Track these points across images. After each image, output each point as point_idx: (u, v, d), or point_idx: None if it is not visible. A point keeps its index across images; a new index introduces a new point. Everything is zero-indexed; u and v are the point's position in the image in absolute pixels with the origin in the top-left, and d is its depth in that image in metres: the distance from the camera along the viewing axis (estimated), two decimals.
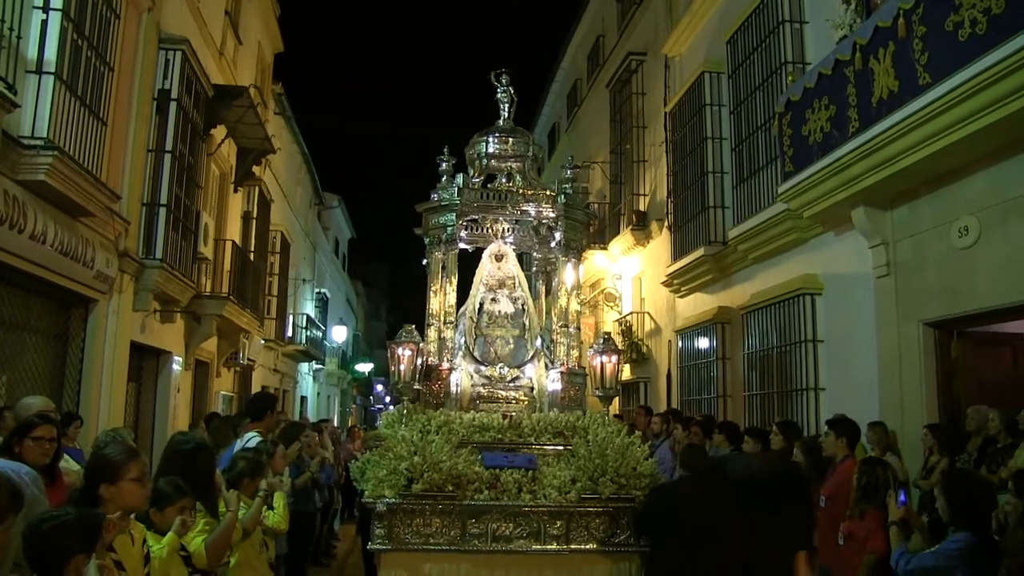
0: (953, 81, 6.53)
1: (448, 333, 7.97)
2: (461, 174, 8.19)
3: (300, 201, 27.14)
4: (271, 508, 5.96)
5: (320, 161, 28.81)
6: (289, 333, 23.96)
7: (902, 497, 5.57)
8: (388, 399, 51.51)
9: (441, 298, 8.04)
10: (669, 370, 15.36)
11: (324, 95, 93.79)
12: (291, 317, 24.34)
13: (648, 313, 16.92)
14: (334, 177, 75.61)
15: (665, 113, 15.57)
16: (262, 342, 20.15)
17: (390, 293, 65.04)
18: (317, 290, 30.72)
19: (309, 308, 28.45)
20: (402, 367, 7.37)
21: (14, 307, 9.00)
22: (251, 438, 6.75)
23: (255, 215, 18.49)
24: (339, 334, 34.37)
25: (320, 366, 31.84)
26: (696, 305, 14.20)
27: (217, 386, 16.85)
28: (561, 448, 7.03)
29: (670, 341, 15.41)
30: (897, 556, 5.12)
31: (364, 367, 46.58)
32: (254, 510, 5.23)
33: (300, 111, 23.55)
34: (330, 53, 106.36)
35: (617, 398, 17.49)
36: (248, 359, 18.40)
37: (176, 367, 13.71)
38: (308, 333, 26.79)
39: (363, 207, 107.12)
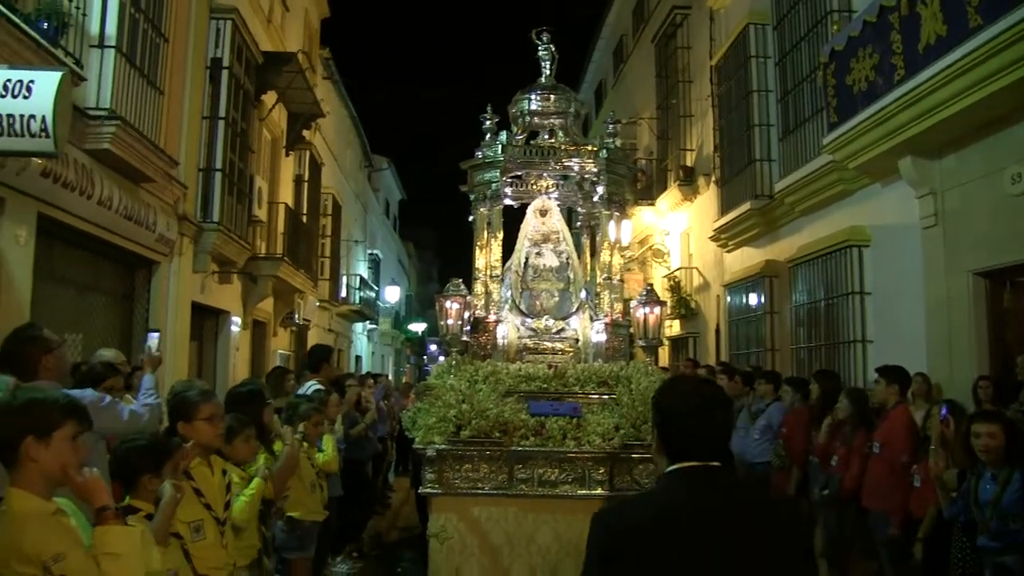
0: (1007, 21, 6.35)
1: (494, 287, 8.13)
2: (504, 132, 8.32)
3: (350, 164, 27.42)
4: (321, 450, 6.23)
5: (369, 124, 29.05)
6: (343, 294, 24.32)
7: (943, 411, 5.70)
8: (442, 358, 52.01)
9: (487, 253, 8.20)
10: (718, 325, 15.40)
11: (371, 58, 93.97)
12: (344, 278, 24.69)
13: (696, 268, 16.93)
14: (384, 140, 76.06)
15: (711, 67, 15.47)
16: (316, 303, 20.50)
17: (441, 254, 65.45)
18: (369, 251, 31.06)
19: (362, 269, 28.81)
20: (450, 320, 7.57)
21: (84, 270, 9.42)
22: (310, 386, 7.06)
23: (307, 178, 18.78)
24: (392, 294, 34.75)
25: (374, 326, 32.28)
26: (744, 259, 14.19)
27: (274, 345, 17.26)
28: (605, 397, 7.17)
29: (718, 296, 15.43)
30: (957, 511, 5.27)
31: (417, 327, 47.04)
32: (283, 461, 5.31)
33: (347, 75, 23.83)
34: (376, 17, 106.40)
35: (665, 352, 17.68)
36: (303, 319, 18.81)
37: (235, 327, 14.07)
38: (361, 294, 27.15)
39: (414, 169, 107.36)
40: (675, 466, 2.52)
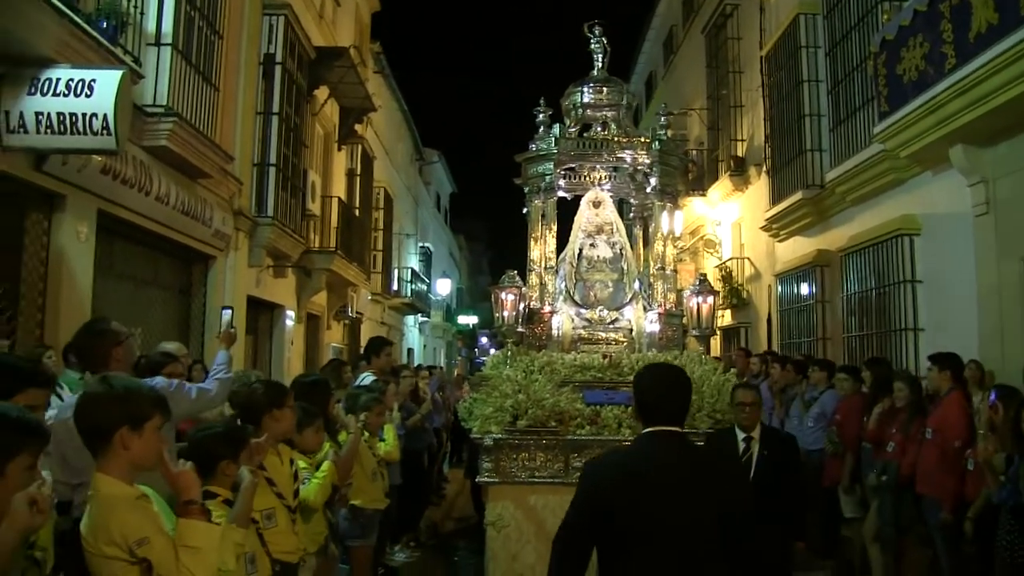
0: None
1: (549, 278, 8.28)
2: (558, 124, 8.46)
3: (401, 157, 27.69)
4: (382, 440, 6.43)
5: (420, 118, 29.34)
6: (395, 287, 24.60)
7: (992, 396, 5.78)
8: (493, 351, 52.30)
9: (542, 245, 8.36)
10: (769, 314, 15.40)
11: (421, 52, 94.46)
12: (396, 271, 24.97)
13: (748, 258, 16.94)
14: (434, 133, 76.43)
15: (761, 57, 15.43)
16: (368, 296, 20.78)
17: (492, 247, 65.67)
18: (420, 244, 31.34)
19: (413, 262, 29.09)
20: (505, 311, 7.74)
21: (143, 265, 9.69)
22: (364, 377, 7.25)
23: (359, 172, 19.06)
24: (443, 287, 35.05)
25: (425, 319, 32.57)
26: (795, 249, 14.18)
27: (328, 338, 17.56)
28: None
29: (770, 285, 15.43)
30: (1006, 495, 5.35)
31: (468, 319, 47.30)
32: (348, 447, 5.51)
33: (398, 69, 24.04)
34: (425, 10, 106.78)
35: (716, 342, 17.70)
36: (356, 312, 19.09)
37: (289, 320, 14.36)
38: (413, 286, 27.43)
39: (464, 162, 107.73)
40: (648, 429, 3.35)
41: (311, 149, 15.04)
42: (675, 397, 3.40)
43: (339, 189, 17.65)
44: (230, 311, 6.15)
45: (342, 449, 5.25)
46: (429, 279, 32.05)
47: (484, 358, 39.85)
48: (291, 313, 14.45)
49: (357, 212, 18.33)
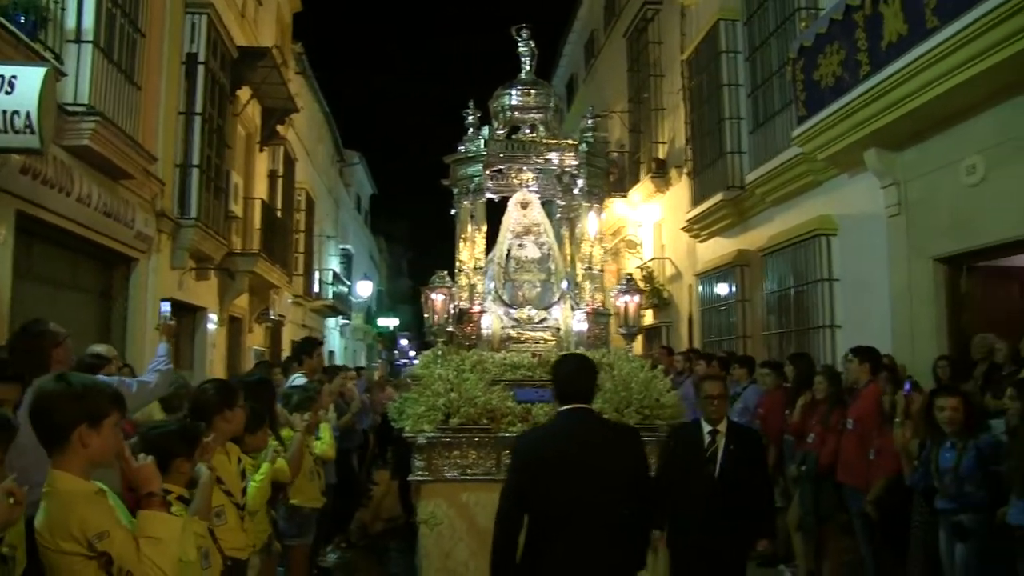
0: (960, 23, 6.75)
1: (478, 279, 8.36)
2: (486, 126, 8.54)
3: (322, 159, 27.51)
4: (318, 438, 6.44)
5: (340, 119, 29.16)
6: (316, 289, 24.42)
7: (907, 387, 6.10)
8: (412, 353, 52.18)
9: (470, 246, 8.42)
10: (690, 314, 15.72)
11: (341, 53, 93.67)
12: (317, 273, 24.79)
13: (669, 259, 17.25)
14: (354, 134, 75.91)
15: (682, 61, 15.75)
16: (290, 299, 20.61)
17: (411, 249, 65.47)
18: (341, 246, 31.16)
19: (334, 264, 28.91)
20: (436, 311, 7.79)
21: (63, 268, 9.47)
22: (295, 378, 7.25)
23: (280, 173, 18.91)
24: (364, 289, 34.88)
25: (346, 321, 32.39)
26: (716, 249, 14.51)
27: (250, 341, 17.37)
28: None
29: (691, 285, 15.74)
30: (918, 478, 5.67)
31: (388, 322, 47.09)
32: (295, 446, 5.60)
33: (319, 70, 23.85)
34: (346, 11, 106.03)
35: (639, 342, 17.97)
36: (278, 315, 18.91)
37: (211, 324, 14.17)
38: (334, 289, 27.27)
39: (384, 164, 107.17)
40: (564, 407, 4.17)
41: (233, 150, 14.85)
42: (585, 380, 4.24)
43: (261, 190, 17.48)
44: (168, 304, 6.11)
45: (288, 448, 5.27)
46: (350, 281, 31.87)
47: (404, 360, 39.69)
48: (213, 316, 14.26)
49: (279, 214, 18.17)
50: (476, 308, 8.25)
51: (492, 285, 8.40)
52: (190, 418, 4.31)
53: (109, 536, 2.75)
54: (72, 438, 2.84)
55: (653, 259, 17.88)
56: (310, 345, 8.32)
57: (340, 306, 28.18)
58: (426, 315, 8.02)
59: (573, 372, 4.25)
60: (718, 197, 13.38)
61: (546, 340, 8.25)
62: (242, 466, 4.47)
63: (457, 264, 8.52)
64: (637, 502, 4.13)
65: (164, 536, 2.89)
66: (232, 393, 4.38)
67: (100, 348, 6.42)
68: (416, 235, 74.33)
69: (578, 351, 7.86)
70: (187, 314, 13.54)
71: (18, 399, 2.89)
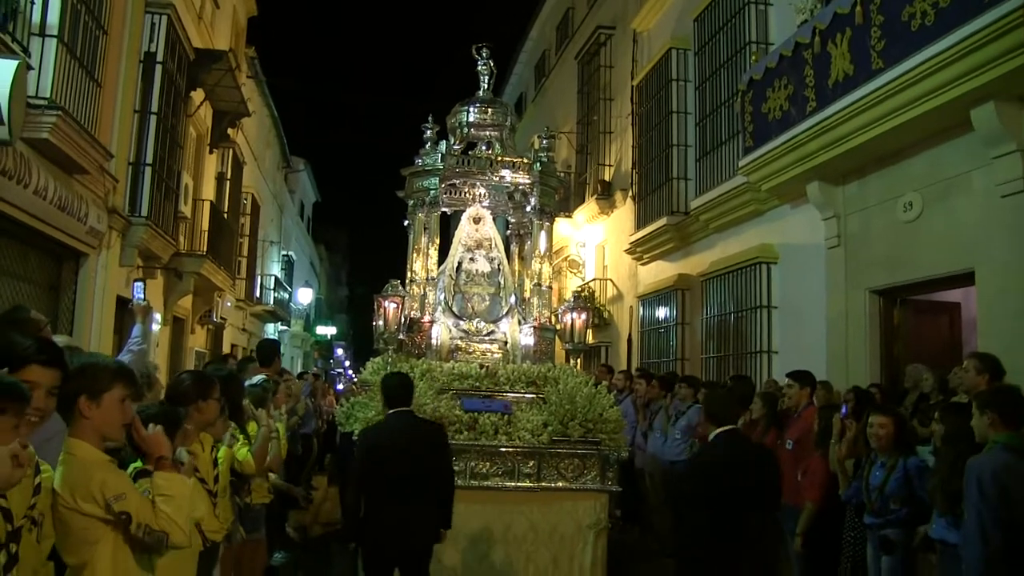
0: (902, 67, 7.11)
1: (429, 289, 8.53)
2: (443, 141, 8.74)
3: (269, 164, 27.40)
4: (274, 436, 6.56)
5: (288, 125, 29.10)
6: (257, 294, 24.28)
7: (843, 410, 6.44)
8: (347, 364, 51.99)
9: (423, 257, 8.59)
10: (630, 335, 15.98)
11: (292, 59, 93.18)
12: (259, 278, 24.66)
13: (611, 280, 17.52)
14: (301, 141, 75.51)
15: (632, 86, 16.07)
16: (231, 302, 20.49)
17: (351, 258, 65.26)
18: (283, 252, 31.01)
19: (276, 270, 28.75)
20: (388, 319, 7.94)
21: (13, 259, 9.39)
22: (260, 379, 7.34)
23: (228, 176, 18.83)
24: (305, 296, 34.72)
25: (286, 327, 32.18)
26: (657, 272, 14.80)
27: (191, 342, 17.24)
28: (533, 396, 7.64)
29: (631, 307, 16.02)
30: (852, 493, 5.98)
31: (327, 330, 46.84)
32: (260, 440, 5.75)
33: (269, 75, 23.82)
34: (300, 17, 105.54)
35: (578, 360, 18.22)
36: (221, 317, 18.81)
37: (156, 324, 14.07)
38: (275, 294, 27.12)
39: (326, 172, 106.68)
40: (391, 411, 5.85)
41: (185, 151, 14.82)
42: (405, 391, 5.92)
43: (209, 192, 17.40)
44: (141, 284, 6.18)
45: (254, 441, 5.40)
46: (291, 288, 31.72)
47: (339, 370, 39.29)
48: (158, 316, 14.15)
49: (226, 216, 18.11)
50: (426, 318, 8.43)
51: (442, 296, 8.58)
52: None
53: (126, 497, 3.05)
54: (76, 409, 3.13)
55: (595, 279, 18.16)
56: (276, 348, 8.42)
57: (280, 312, 28.00)
58: (377, 322, 8.15)
59: (397, 385, 5.92)
60: (662, 222, 13.68)
61: (493, 352, 8.45)
62: (215, 455, 4.58)
63: (409, 275, 8.69)
64: (441, 478, 5.82)
65: (176, 493, 3.21)
66: (208, 384, 4.49)
67: (61, 339, 6.44)
68: (356, 245, 74.01)
69: (524, 364, 8.15)
70: (132, 313, 13.42)
71: (54, 386, 3.07)
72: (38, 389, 2.89)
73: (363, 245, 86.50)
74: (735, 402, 5.30)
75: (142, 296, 5.82)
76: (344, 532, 6.92)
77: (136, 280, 6.83)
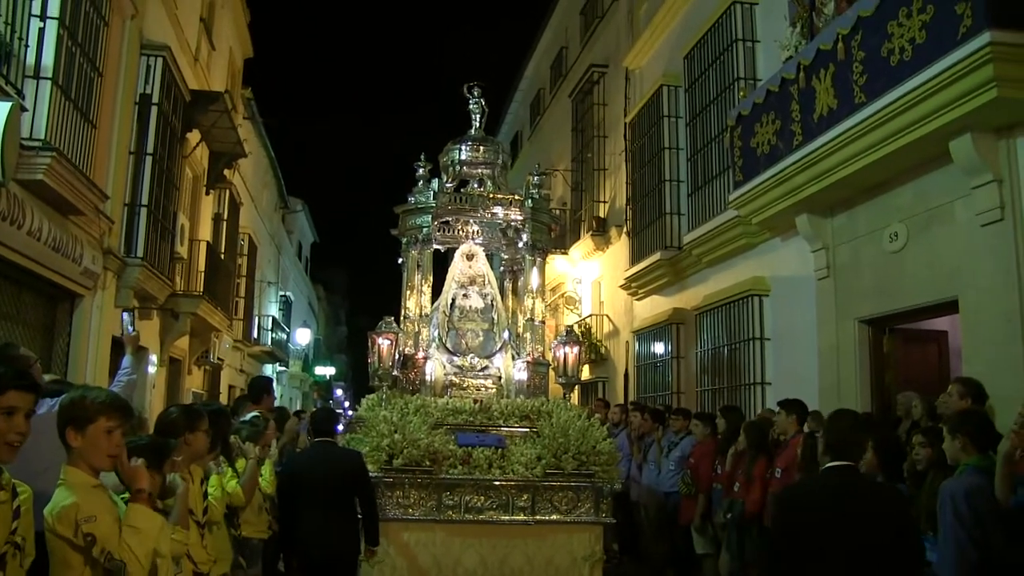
0: (883, 101, 7.26)
1: (423, 326, 8.60)
2: (436, 179, 8.85)
3: (266, 204, 27.55)
4: (260, 475, 6.59)
5: (285, 166, 29.29)
6: (255, 334, 24.32)
7: None
8: (347, 404, 51.88)
9: (417, 294, 8.67)
10: (626, 369, 16.02)
11: (288, 100, 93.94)
12: (257, 319, 24.71)
13: (607, 315, 17.59)
14: (297, 181, 75.87)
15: (625, 123, 16.23)
16: (228, 343, 20.52)
17: (349, 298, 65.31)
18: (281, 293, 31.08)
19: (274, 310, 28.81)
20: (382, 356, 7.99)
21: (7, 300, 9.44)
22: (253, 416, 7.37)
23: (225, 217, 18.92)
24: (303, 336, 34.76)
25: (284, 368, 32.17)
26: (652, 307, 14.87)
27: (188, 384, 17.24)
28: (527, 430, 7.70)
29: (627, 342, 16.08)
30: None
31: (325, 370, 46.82)
32: (249, 472, 5.81)
33: (266, 116, 24.02)
34: (296, 59, 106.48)
35: (575, 395, 18.24)
36: (218, 358, 18.84)
37: (152, 365, 14.10)
38: (273, 335, 27.16)
39: (324, 212, 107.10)
40: (317, 439, 6.80)
41: (181, 192, 14.92)
42: (329, 423, 6.99)
43: (206, 233, 17.50)
44: (131, 313, 6.23)
45: (242, 475, 5.45)
46: (289, 328, 31.75)
47: (339, 410, 39.36)
48: (154, 357, 14.20)
49: (223, 257, 18.20)
50: (420, 354, 8.49)
51: (436, 332, 8.65)
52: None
53: (96, 520, 3.12)
54: (65, 439, 3.31)
55: (591, 315, 18.22)
56: (268, 384, 8.44)
57: (278, 352, 28.02)
58: (371, 359, 8.21)
59: (323, 419, 7.01)
60: (656, 257, 13.78)
61: (487, 387, 8.51)
62: (204, 487, 4.63)
63: (403, 311, 8.75)
64: (360, 497, 6.55)
65: (144, 527, 3.27)
66: (196, 417, 4.56)
67: (48, 377, 6.51)
68: (354, 285, 74.14)
69: (518, 399, 8.20)
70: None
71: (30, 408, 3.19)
72: (18, 414, 3.03)
73: (362, 285, 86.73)
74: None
75: (131, 326, 5.86)
76: (277, 544, 6.94)
77: (124, 310, 6.86)
